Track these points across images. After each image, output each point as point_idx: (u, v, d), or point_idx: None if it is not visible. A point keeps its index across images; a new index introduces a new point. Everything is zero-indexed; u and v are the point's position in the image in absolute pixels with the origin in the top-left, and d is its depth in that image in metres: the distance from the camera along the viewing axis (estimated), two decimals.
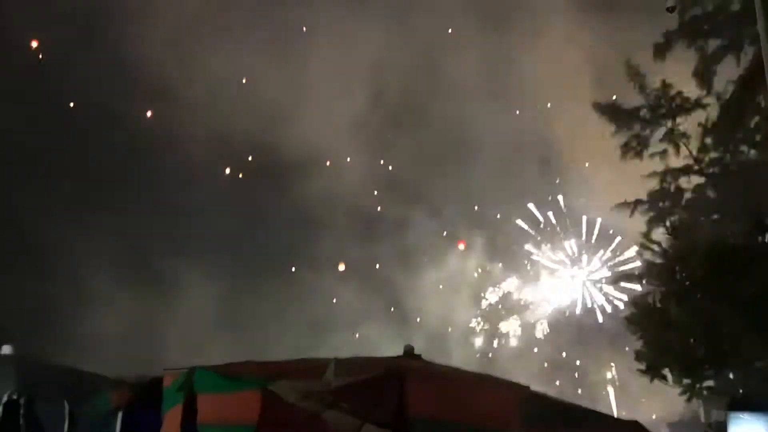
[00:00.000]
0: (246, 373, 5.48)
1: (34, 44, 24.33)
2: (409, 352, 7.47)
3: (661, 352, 11.35)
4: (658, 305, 11.60)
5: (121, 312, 21.66)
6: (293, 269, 24.81)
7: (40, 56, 24.40)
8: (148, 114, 23.55)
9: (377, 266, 25.05)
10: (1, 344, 7.83)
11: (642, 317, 11.69)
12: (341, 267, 25.24)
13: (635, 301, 13.15)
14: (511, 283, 27.30)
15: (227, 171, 24.87)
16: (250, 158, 24.78)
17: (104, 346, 20.29)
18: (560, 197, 27.27)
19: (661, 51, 16.68)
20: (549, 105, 26.10)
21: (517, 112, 25.89)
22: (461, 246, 26.84)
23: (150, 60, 22.83)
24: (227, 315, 23.72)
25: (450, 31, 27.24)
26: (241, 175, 24.64)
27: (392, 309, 24.48)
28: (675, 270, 11.87)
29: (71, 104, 22.96)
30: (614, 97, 17.87)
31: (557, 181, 26.62)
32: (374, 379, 5.52)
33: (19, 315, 19.89)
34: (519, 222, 26.78)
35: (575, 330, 26.69)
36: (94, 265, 21.92)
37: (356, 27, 24.90)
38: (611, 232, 25.26)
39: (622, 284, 23.57)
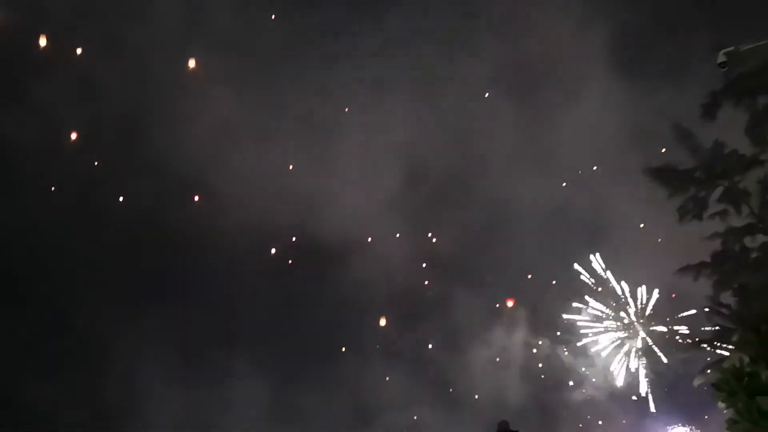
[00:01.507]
0: None
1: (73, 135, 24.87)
2: (504, 429, 7.19)
3: (756, 419, 10.78)
4: (747, 369, 11.08)
5: (174, 405, 21.87)
6: (342, 349, 24.59)
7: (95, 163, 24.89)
8: (196, 198, 23.83)
9: (429, 346, 24.70)
10: None
11: (731, 382, 11.14)
12: (382, 322, 24.78)
13: (720, 366, 12.57)
14: (563, 355, 26.58)
15: (272, 256, 24.89)
16: (293, 239, 24.84)
17: None
18: (602, 265, 26.87)
19: (709, 111, 16.60)
20: (595, 168, 25.78)
21: (563, 184, 25.73)
22: (510, 317, 26.38)
23: (192, 158, 23.52)
24: (279, 400, 23.27)
25: (485, 100, 27.33)
26: (289, 261, 24.70)
27: (450, 389, 23.91)
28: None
29: (120, 198, 23.59)
30: (666, 162, 17.74)
31: (601, 247, 26.27)
32: None
33: (80, 412, 20.30)
34: (568, 292, 26.34)
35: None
36: (147, 359, 22.42)
37: (389, 109, 25.30)
38: (673, 296, 24.58)
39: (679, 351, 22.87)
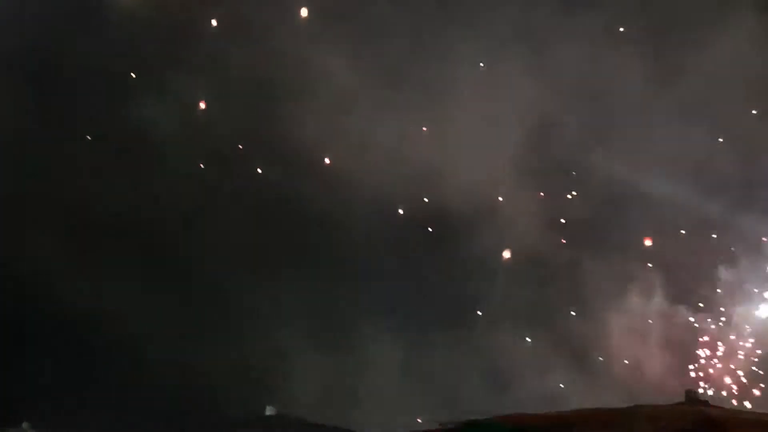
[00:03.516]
0: (532, 424, 4.93)
1: (202, 105, 25.52)
2: (694, 398, 6.51)
3: None
4: None
5: (317, 369, 22.56)
6: (478, 313, 24.47)
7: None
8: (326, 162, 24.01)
9: (563, 311, 23.92)
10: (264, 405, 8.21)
11: None
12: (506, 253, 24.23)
13: None
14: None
15: (400, 223, 24.77)
16: (422, 204, 24.64)
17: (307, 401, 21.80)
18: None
19: None
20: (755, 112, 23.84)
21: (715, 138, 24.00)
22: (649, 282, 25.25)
23: (316, 128, 23.70)
24: (413, 365, 23.87)
25: (610, 50, 25.86)
26: (418, 226, 24.64)
27: (600, 358, 23.28)
28: None
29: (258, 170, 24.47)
30: None
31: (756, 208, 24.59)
32: None
33: (229, 376, 21.70)
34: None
35: None
36: (286, 326, 23.68)
37: (509, 67, 24.42)
38: None
39: None
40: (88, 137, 24.94)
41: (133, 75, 24.98)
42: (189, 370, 23.20)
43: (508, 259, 24.59)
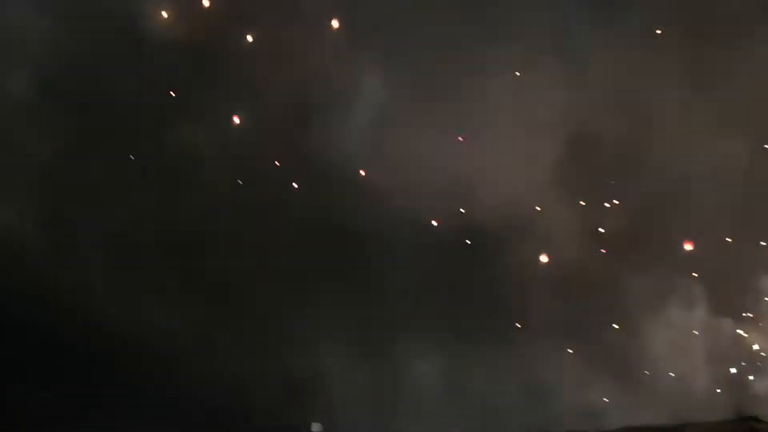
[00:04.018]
0: None
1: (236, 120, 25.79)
2: (743, 414, 6.06)
3: None
4: None
5: (355, 382, 22.61)
6: (518, 325, 24.10)
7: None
8: (359, 184, 24.24)
9: (604, 324, 23.41)
10: (309, 423, 7.86)
11: None
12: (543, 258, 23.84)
13: None
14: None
15: (437, 236, 24.62)
16: (457, 217, 24.39)
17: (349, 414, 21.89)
18: None
19: None
20: None
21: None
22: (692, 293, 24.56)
23: (352, 143, 23.80)
24: (452, 379, 23.62)
25: (649, 54, 25.37)
26: (455, 240, 24.44)
27: (645, 372, 22.72)
28: None
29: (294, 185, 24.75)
30: None
31: None
32: None
33: (274, 387, 22.08)
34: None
35: None
36: (328, 342, 23.84)
37: (542, 75, 24.13)
38: None
39: None
40: (131, 157, 25.48)
41: (173, 94, 25.44)
42: (232, 386, 23.56)
43: (546, 263, 24.27)
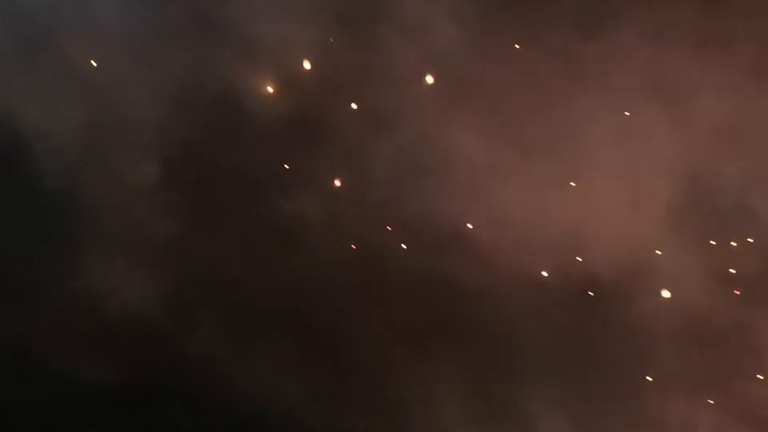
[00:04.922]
0: None
1: (337, 183, 26.39)
2: None
3: None
4: None
5: None
6: (648, 378, 22.47)
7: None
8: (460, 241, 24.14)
9: (745, 374, 21.57)
10: None
11: None
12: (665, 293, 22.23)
13: None
14: None
15: (548, 289, 23.81)
16: (568, 271, 23.42)
17: None
18: None
19: None
20: None
21: None
22: None
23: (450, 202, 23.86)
24: None
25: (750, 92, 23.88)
26: (568, 293, 23.54)
27: None
28: None
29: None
30: None
31: None
32: None
33: None
34: None
35: None
36: (441, 399, 23.02)
37: (643, 119, 23.24)
38: None
39: None
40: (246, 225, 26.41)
41: (287, 167, 26.29)
42: None
43: (673, 309, 22.91)
